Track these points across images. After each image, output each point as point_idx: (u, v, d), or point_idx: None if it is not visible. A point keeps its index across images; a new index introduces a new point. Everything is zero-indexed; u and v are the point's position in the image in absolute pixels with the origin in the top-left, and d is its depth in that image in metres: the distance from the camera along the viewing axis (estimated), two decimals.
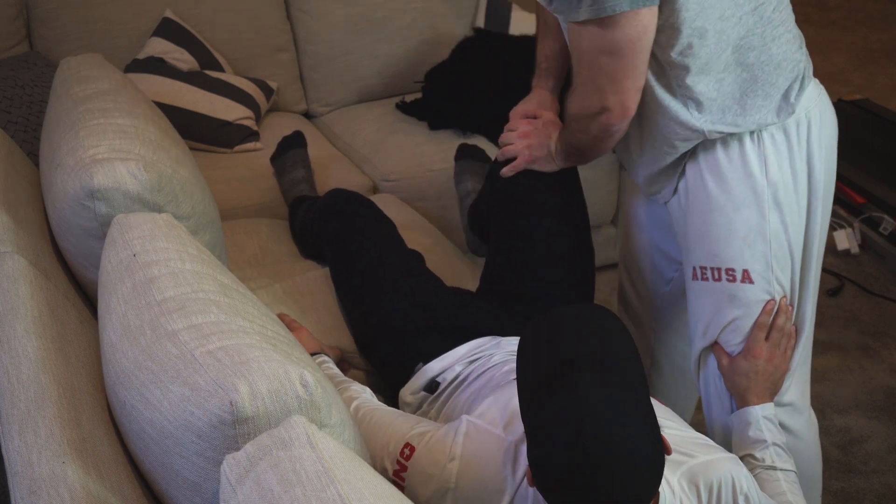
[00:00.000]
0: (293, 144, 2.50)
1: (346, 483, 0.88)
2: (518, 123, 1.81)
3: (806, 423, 1.71)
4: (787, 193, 1.55)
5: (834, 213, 3.18)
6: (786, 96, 1.53)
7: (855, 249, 3.05)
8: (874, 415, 2.37)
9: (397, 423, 1.47)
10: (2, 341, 1.24)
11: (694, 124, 1.53)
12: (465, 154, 2.31)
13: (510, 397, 1.37)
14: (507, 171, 1.82)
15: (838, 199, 3.23)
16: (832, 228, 3.10)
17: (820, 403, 2.40)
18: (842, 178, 3.24)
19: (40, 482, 1.02)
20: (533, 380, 1.15)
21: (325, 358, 1.71)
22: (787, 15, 1.55)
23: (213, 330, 1.13)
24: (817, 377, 2.50)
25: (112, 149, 1.52)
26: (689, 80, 1.49)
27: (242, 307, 1.24)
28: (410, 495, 1.37)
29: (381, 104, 3.01)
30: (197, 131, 2.68)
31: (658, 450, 1.11)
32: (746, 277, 1.57)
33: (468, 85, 2.72)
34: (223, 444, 1.02)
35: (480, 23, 3.14)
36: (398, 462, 1.40)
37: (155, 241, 1.33)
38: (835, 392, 2.46)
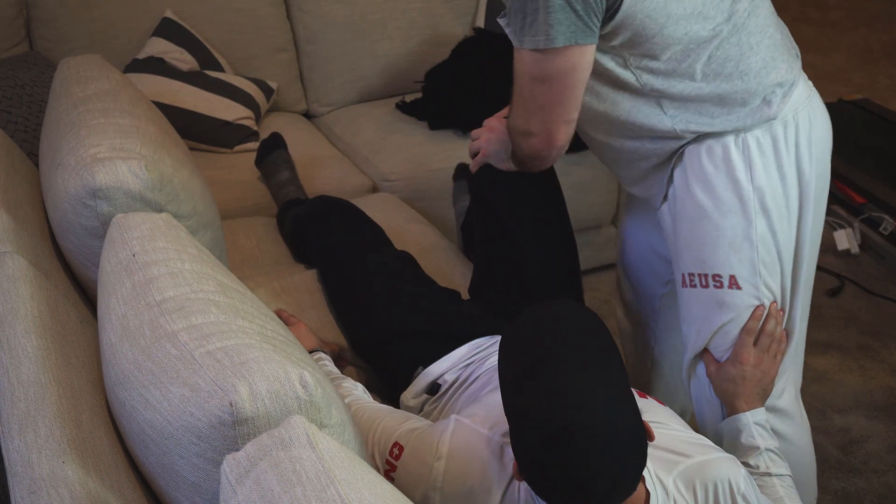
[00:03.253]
0: (273, 146, 2.51)
1: (345, 483, 0.88)
2: (489, 120, 1.85)
3: (798, 427, 1.71)
4: (775, 198, 1.54)
5: (834, 213, 3.18)
6: (767, 102, 1.51)
7: (855, 249, 3.05)
8: (874, 415, 2.37)
9: (387, 421, 1.47)
10: (2, 341, 1.24)
11: (665, 124, 1.53)
12: (463, 174, 2.32)
13: (498, 398, 1.38)
14: (472, 166, 1.88)
15: (838, 199, 3.24)
16: (832, 228, 3.10)
17: (820, 403, 2.40)
18: (842, 178, 3.24)
19: (40, 482, 1.02)
20: (512, 374, 1.17)
21: (322, 355, 1.71)
22: (767, 21, 1.53)
23: (213, 330, 1.13)
24: (817, 377, 2.50)
25: (113, 148, 1.52)
26: (660, 84, 1.49)
27: (242, 307, 1.24)
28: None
29: (381, 104, 3.01)
30: (197, 131, 2.68)
31: (636, 430, 1.12)
32: (734, 283, 1.57)
33: (468, 85, 2.72)
34: (223, 445, 1.02)
35: (480, 23, 3.14)
36: (388, 462, 1.40)
37: (154, 241, 1.33)
38: (835, 392, 2.46)
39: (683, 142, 1.56)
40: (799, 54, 1.61)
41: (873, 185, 3.20)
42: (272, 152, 2.49)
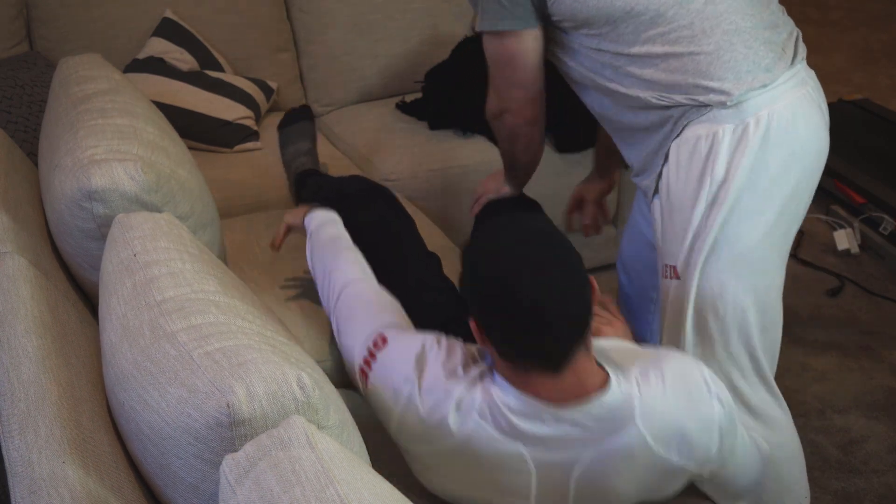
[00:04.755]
0: (301, 117, 2.50)
1: (345, 483, 0.88)
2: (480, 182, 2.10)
3: (782, 416, 1.71)
4: (731, 192, 1.53)
5: (834, 213, 3.18)
6: (726, 93, 1.51)
7: (855, 249, 3.05)
8: (874, 415, 2.37)
9: (380, 312, 1.53)
10: (2, 341, 1.24)
11: (638, 94, 1.57)
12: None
13: None
14: (474, 209, 2.06)
15: (838, 199, 3.24)
16: (832, 228, 3.10)
17: (820, 403, 2.40)
18: (842, 178, 3.24)
19: (40, 482, 1.02)
20: (468, 265, 1.30)
21: (317, 213, 1.79)
22: (734, 8, 1.53)
23: (212, 331, 1.13)
24: (817, 377, 2.50)
25: (110, 149, 1.52)
26: (622, 64, 1.57)
27: (242, 307, 1.24)
28: (373, 391, 1.38)
29: (381, 104, 3.01)
30: (197, 131, 2.68)
31: (578, 270, 1.24)
32: (674, 274, 1.61)
33: (468, 85, 2.72)
34: (220, 446, 1.01)
35: None
36: (368, 350, 1.42)
37: (156, 241, 1.33)
38: (835, 392, 2.46)
39: (669, 118, 1.57)
40: (794, 54, 1.60)
41: (873, 185, 3.20)
42: (300, 121, 2.48)
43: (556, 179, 2.56)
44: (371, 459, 1.19)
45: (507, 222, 1.32)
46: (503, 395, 1.27)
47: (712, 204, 1.54)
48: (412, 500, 0.98)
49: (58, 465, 1.04)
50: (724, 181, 1.53)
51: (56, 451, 1.06)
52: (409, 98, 2.96)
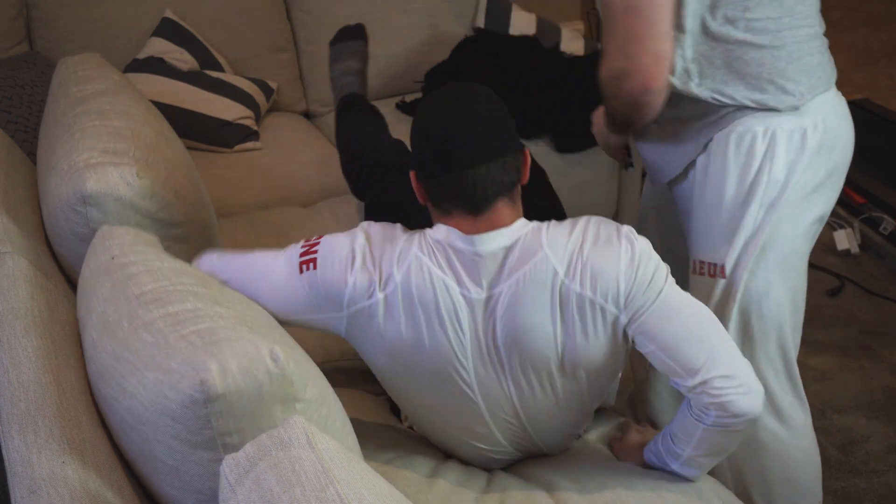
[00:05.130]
0: (356, 34, 2.41)
1: (345, 483, 0.88)
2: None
3: (805, 421, 1.71)
4: (787, 194, 1.53)
5: (834, 213, 3.18)
6: (799, 95, 1.50)
7: (855, 249, 3.05)
8: (874, 415, 2.37)
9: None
10: (2, 341, 1.24)
11: (692, 91, 1.51)
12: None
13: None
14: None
15: (838, 199, 3.23)
16: (832, 228, 3.10)
17: (820, 403, 2.40)
18: None
19: (40, 482, 1.02)
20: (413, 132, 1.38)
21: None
22: (813, 12, 1.54)
23: (189, 317, 1.13)
24: (817, 377, 2.50)
25: (106, 152, 1.51)
26: (691, 44, 1.48)
27: (221, 297, 1.24)
28: (321, 268, 1.37)
29: (381, 104, 3.01)
30: (196, 131, 2.68)
31: (502, 120, 1.34)
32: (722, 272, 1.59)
33: None
34: (196, 425, 1.02)
35: (480, 23, 3.14)
36: (305, 245, 1.40)
37: (134, 246, 1.33)
38: (835, 392, 2.46)
39: (715, 110, 1.53)
40: (828, 72, 1.59)
41: (873, 185, 3.20)
42: (354, 39, 2.40)
43: (556, 179, 2.54)
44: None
45: (449, 85, 1.39)
46: (434, 232, 1.36)
47: (769, 205, 1.53)
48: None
49: (58, 465, 1.04)
50: (784, 183, 1.52)
51: (56, 451, 1.06)
52: (409, 98, 2.96)
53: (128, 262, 1.28)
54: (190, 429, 1.02)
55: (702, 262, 1.62)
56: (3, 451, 1.09)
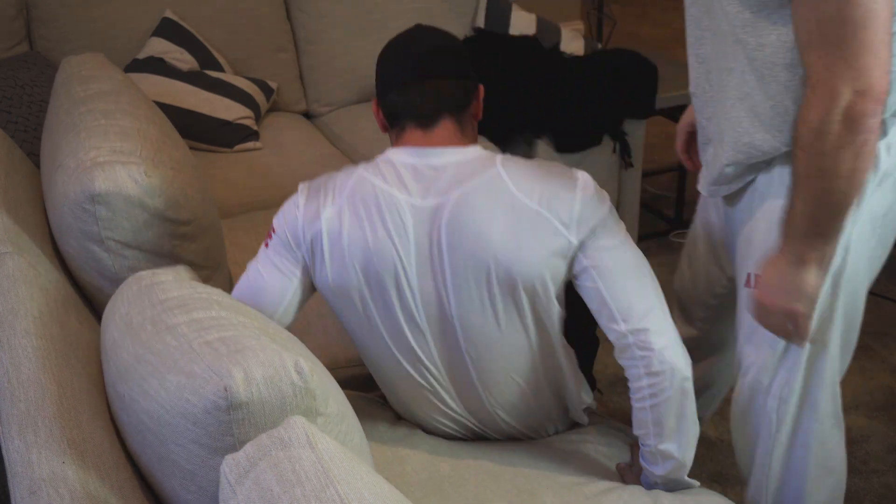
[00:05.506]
0: None
1: (345, 483, 0.88)
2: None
3: (839, 437, 1.64)
4: (866, 214, 1.45)
5: None
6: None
7: None
8: (874, 415, 2.37)
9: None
10: (2, 341, 1.24)
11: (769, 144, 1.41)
12: None
13: None
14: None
15: None
16: None
17: None
18: None
19: (40, 482, 1.02)
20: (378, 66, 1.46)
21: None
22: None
23: (213, 324, 1.14)
24: None
25: (113, 151, 1.52)
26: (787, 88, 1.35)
27: (245, 309, 1.25)
28: (277, 225, 1.46)
29: None
30: (197, 131, 2.68)
31: (458, 51, 1.43)
32: None
33: None
34: (217, 431, 1.02)
35: (480, 23, 3.14)
36: (268, 235, 1.49)
37: (165, 272, 1.35)
38: None
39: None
40: None
41: None
42: None
43: None
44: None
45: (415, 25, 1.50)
46: (382, 155, 1.43)
47: (861, 218, 1.44)
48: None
49: (58, 465, 1.04)
50: (869, 195, 1.42)
51: (56, 451, 1.07)
52: None
53: (157, 272, 1.30)
54: (211, 434, 1.02)
55: (758, 276, 1.50)
56: (3, 452, 1.09)
